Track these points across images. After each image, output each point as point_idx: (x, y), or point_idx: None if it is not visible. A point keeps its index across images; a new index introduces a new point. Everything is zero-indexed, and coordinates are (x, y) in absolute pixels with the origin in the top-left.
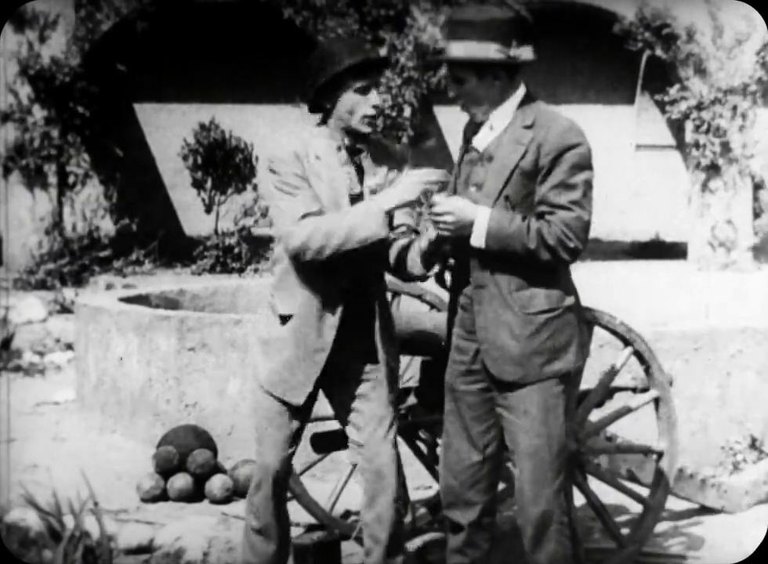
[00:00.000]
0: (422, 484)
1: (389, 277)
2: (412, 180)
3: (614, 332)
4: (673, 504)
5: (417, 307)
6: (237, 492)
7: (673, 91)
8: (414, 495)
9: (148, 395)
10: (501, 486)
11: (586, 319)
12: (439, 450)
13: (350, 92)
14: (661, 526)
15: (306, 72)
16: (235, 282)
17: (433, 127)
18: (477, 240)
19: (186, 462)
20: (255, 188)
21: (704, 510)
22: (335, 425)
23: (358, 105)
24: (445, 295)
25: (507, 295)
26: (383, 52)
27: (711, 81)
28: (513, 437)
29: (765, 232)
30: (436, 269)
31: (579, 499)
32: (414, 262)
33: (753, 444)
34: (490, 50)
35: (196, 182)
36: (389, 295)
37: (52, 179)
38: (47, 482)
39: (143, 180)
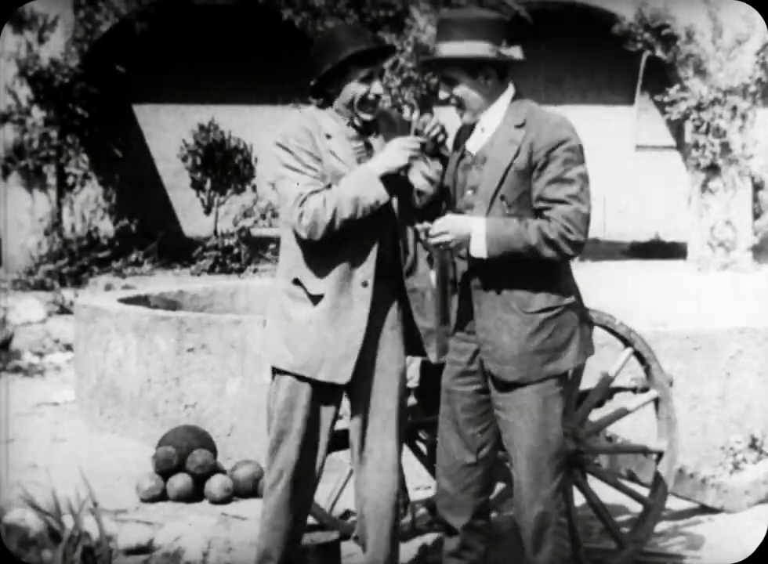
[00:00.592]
0: (421, 484)
1: None
2: (398, 145)
3: (613, 333)
4: (673, 503)
5: None
6: (236, 492)
7: (673, 91)
8: (414, 495)
9: (147, 396)
10: (500, 485)
11: (588, 319)
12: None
13: (354, 81)
14: (661, 526)
15: (310, 59)
16: (234, 283)
17: None
18: (478, 251)
19: (186, 462)
20: (254, 189)
21: (704, 510)
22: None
23: (361, 93)
24: None
25: (507, 295)
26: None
27: (711, 81)
28: (511, 438)
29: (764, 232)
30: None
31: (579, 499)
32: None
33: (753, 444)
34: (481, 49)
35: (195, 183)
36: None
37: (51, 180)
38: (46, 482)
39: (142, 181)
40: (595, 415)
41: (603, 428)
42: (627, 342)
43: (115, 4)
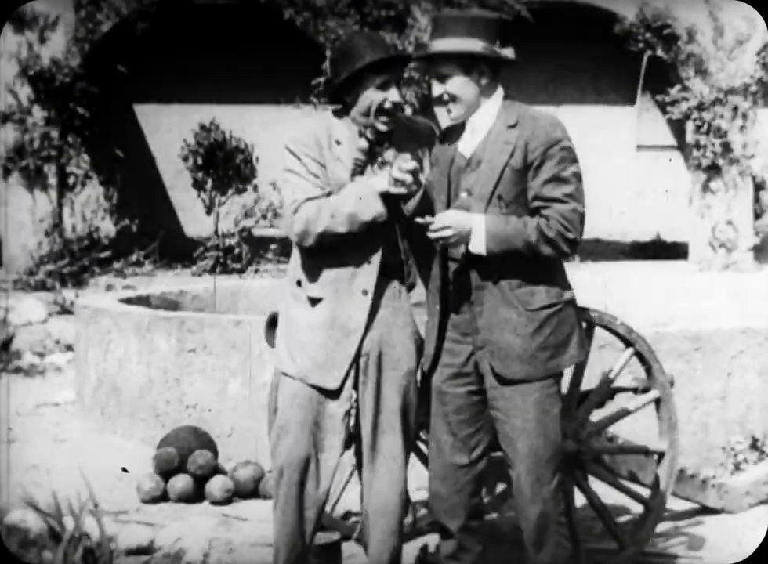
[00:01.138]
0: (422, 485)
1: None
2: (400, 166)
3: (614, 333)
4: (674, 504)
5: None
6: (237, 493)
7: (674, 91)
8: (415, 496)
9: (148, 397)
10: (500, 486)
11: (587, 320)
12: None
13: (371, 89)
14: (662, 527)
15: (329, 65)
16: (235, 283)
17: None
18: (478, 246)
19: (187, 463)
20: (255, 189)
21: (705, 510)
22: None
23: (378, 101)
24: None
25: (508, 293)
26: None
27: (712, 81)
28: (510, 438)
29: (766, 232)
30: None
31: (580, 499)
32: None
33: (754, 444)
34: (476, 45)
35: (196, 182)
36: None
37: (52, 180)
38: (47, 483)
39: (143, 181)
40: (596, 415)
41: (605, 429)
42: (628, 342)
43: (116, 3)
